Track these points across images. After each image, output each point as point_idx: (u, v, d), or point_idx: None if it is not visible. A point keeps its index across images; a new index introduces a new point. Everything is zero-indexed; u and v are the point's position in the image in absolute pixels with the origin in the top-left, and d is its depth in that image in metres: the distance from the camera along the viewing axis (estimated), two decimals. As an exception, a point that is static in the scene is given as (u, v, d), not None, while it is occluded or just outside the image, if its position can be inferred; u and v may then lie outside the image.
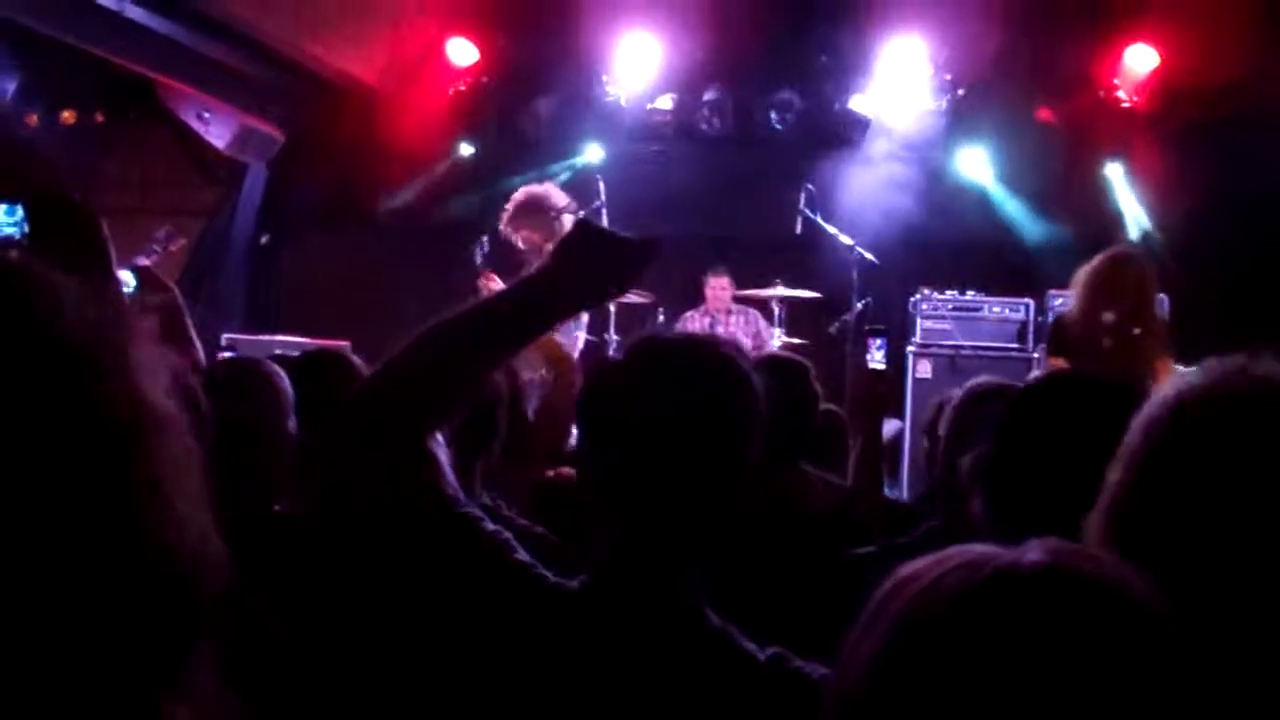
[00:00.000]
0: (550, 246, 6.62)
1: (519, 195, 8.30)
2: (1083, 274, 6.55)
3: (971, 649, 1.07)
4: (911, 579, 1.15)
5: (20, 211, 2.59)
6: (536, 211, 8.16)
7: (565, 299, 2.14)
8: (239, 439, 3.14)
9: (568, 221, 8.23)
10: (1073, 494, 2.20)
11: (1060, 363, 6.50)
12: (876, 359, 4.54)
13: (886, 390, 4.61)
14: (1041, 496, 2.31)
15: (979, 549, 1.15)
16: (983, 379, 3.78)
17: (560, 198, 8.31)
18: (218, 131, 10.67)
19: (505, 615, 1.96)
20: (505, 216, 8.25)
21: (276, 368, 3.38)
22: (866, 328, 9.16)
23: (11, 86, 9.57)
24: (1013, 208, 11.16)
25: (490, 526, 2.04)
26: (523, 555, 2.03)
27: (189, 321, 4.61)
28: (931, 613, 1.10)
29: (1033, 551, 1.13)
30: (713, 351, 2.02)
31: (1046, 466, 2.36)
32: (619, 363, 2.05)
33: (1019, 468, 2.43)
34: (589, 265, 2.08)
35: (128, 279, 9.41)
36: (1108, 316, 6.34)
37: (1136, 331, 6.32)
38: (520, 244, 8.21)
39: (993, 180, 11.20)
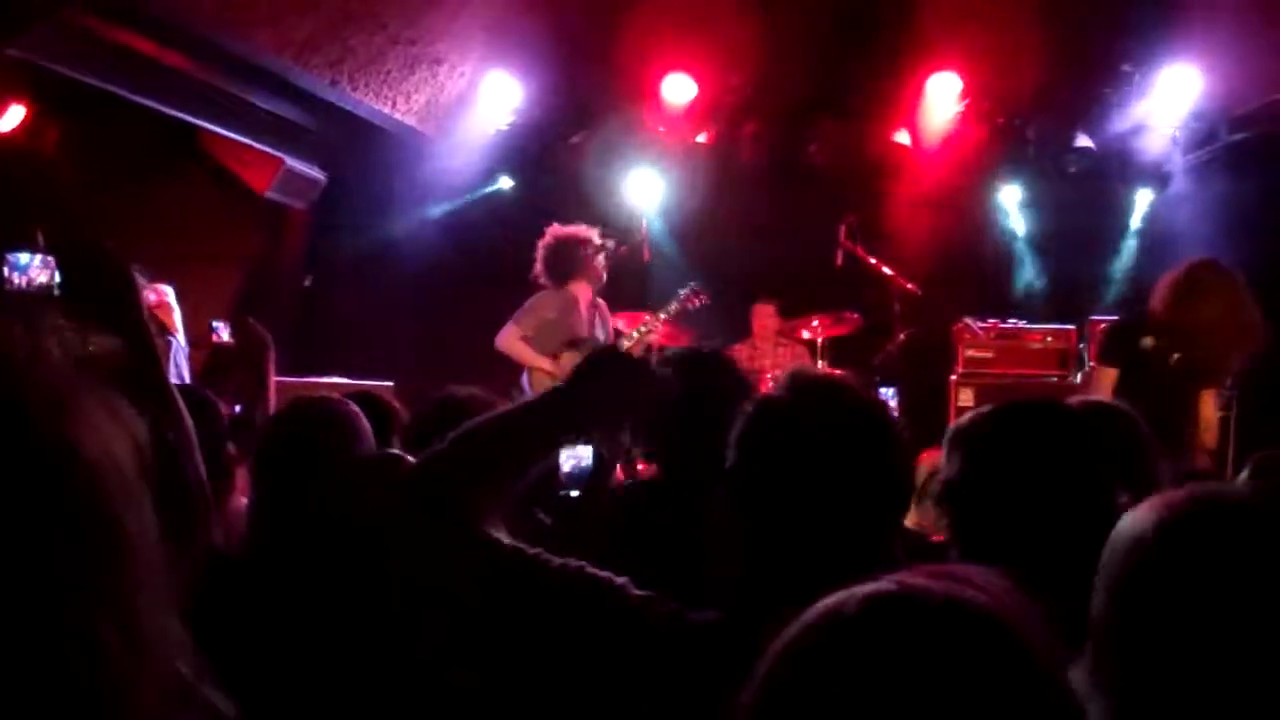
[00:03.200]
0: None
1: (549, 241, 8.54)
2: (1163, 282, 6.45)
3: (825, 676, 1.11)
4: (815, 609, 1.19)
5: (54, 262, 2.63)
6: (573, 251, 8.45)
7: (583, 420, 2.25)
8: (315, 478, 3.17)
9: (601, 259, 8.51)
10: (1029, 516, 2.24)
11: (1107, 371, 6.41)
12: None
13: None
14: (1000, 519, 2.34)
15: (878, 584, 1.17)
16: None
17: (589, 234, 8.60)
18: (259, 175, 10.75)
19: (645, 654, 1.97)
20: (541, 269, 8.52)
21: (355, 408, 3.41)
22: (877, 378, 9.23)
23: (53, 135, 9.67)
24: (1053, 236, 11.14)
25: (601, 573, 2.06)
26: (638, 591, 2.05)
27: (271, 375, 4.67)
28: (800, 640, 1.16)
29: (894, 582, 1.16)
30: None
31: (1004, 490, 2.38)
32: (781, 399, 2.09)
33: (979, 491, 2.45)
34: (608, 390, 2.20)
35: (220, 327, 9.77)
36: (1146, 342, 6.27)
37: (1175, 356, 6.23)
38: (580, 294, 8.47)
39: (1034, 209, 11.19)
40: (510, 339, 8.56)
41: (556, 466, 2.49)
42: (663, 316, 8.89)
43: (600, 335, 8.72)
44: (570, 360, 8.46)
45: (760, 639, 1.90)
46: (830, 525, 1.97)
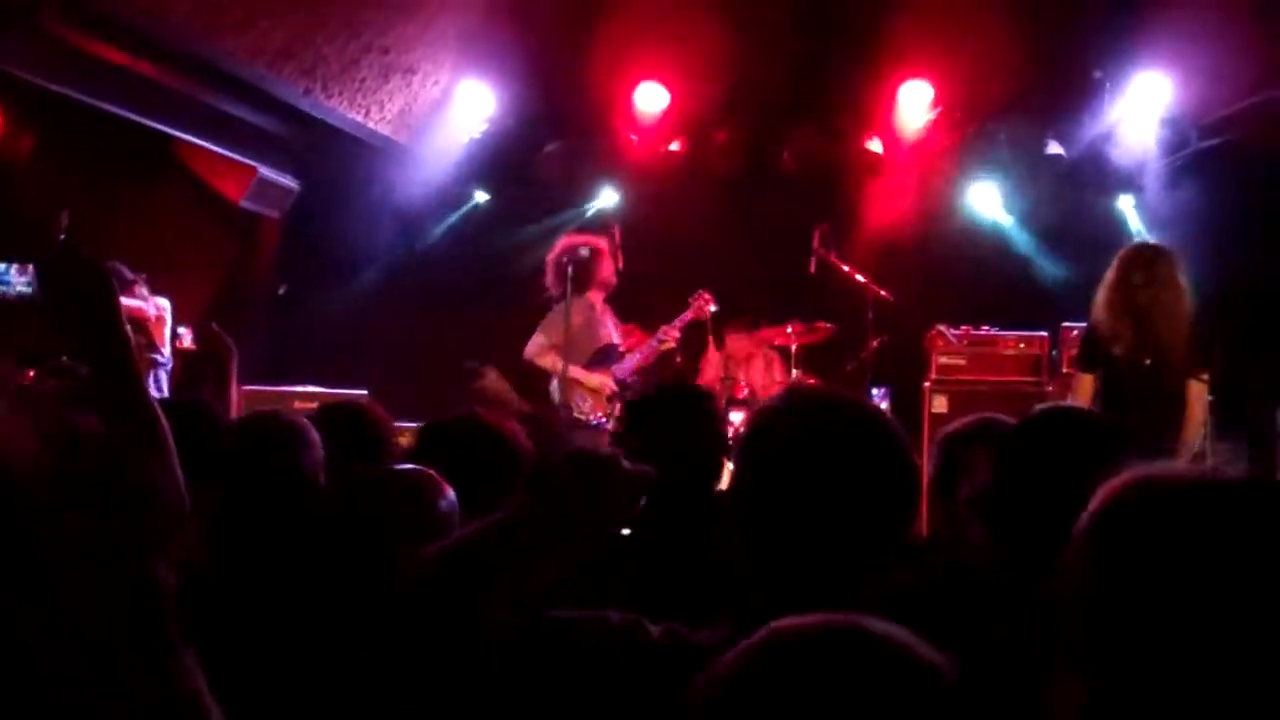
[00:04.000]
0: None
1: (566, 251, 8.61)
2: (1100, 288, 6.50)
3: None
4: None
5: (32, 271, 2.63)
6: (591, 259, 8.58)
7: (551, 538, 1.93)
8: (271, 492, 3.18)
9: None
10: (1069, 524, 2.24)
11: (1083, 378, 6.43)
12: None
13: None
14: (1038, 526, 2.34)
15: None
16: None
17: (602, 241, 8.77)
18: (233, 184, 10.73)
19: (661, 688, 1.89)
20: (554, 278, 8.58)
21: (305, 420, 3.41)
22: (869, 376, 9.26)
23: (27, 144, 9.65)
24: (1026, 242, 11.20)
25: (617, 617, 2.00)
26: (621, 616, 2.00)
27: (234, 380, 4.67)
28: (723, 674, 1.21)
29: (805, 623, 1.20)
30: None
31: (1043, 497, 2.38)
32: (781, 410, 2.07)
33: (1016, 498, 2.46)
34: (576, 500, 1.93)
35: (184, 333, 9.78)
36: (1116, 350, 6.30)
37: (1147, 362, 6.26)
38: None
39: (1006, 215, 11.24)
40: (541, 349, 8.65)
41: None
42: (677, 326, 9.00)
43: (616, 339, 8.88)
44: (600, 375, 8.65)
45: None
46: (835, 534, 1.95)
